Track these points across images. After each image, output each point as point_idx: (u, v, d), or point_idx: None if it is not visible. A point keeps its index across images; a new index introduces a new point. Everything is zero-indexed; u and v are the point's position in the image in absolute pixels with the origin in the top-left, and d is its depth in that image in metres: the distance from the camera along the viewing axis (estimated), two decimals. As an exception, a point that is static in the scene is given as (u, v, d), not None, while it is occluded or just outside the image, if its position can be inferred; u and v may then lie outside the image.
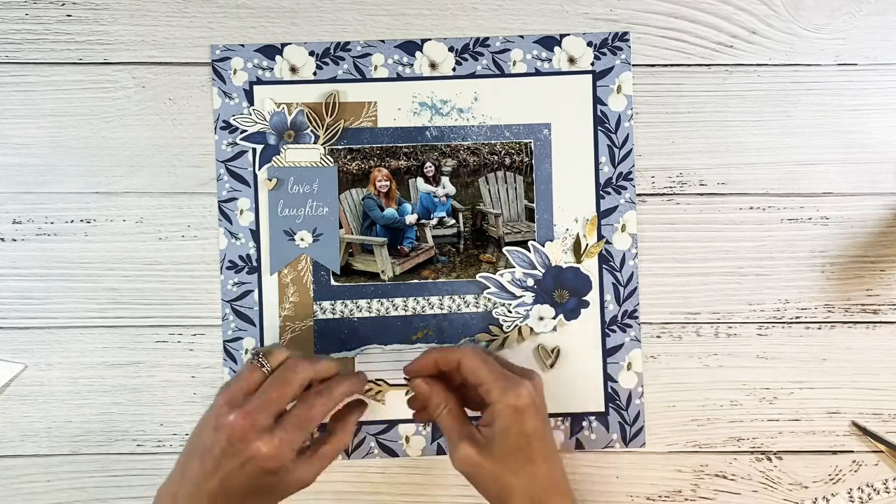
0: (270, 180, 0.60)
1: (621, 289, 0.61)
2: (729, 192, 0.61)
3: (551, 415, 0.60)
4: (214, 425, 0.49)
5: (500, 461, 0.49)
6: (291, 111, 0.60)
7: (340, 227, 0.61)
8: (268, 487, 0.50)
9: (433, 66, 0.61)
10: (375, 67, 0.61)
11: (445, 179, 0.61)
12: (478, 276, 0.60)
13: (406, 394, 0.59)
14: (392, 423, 0.60)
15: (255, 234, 0.60)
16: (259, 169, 0.60)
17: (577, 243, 0.60)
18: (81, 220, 0.60)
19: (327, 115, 0.60)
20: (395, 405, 0.60)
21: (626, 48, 0.61)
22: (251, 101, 0.60)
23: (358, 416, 0.56)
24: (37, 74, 0.60)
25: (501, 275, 0.60)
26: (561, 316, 0.60)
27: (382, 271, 0.61)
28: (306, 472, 0.51)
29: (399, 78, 0.61)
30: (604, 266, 0.61)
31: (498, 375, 0.50)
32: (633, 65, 0.61)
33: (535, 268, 0.60)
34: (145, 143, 0.60)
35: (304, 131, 0.60)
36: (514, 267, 0.60)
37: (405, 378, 0.54)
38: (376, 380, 0.59)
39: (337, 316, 0.60)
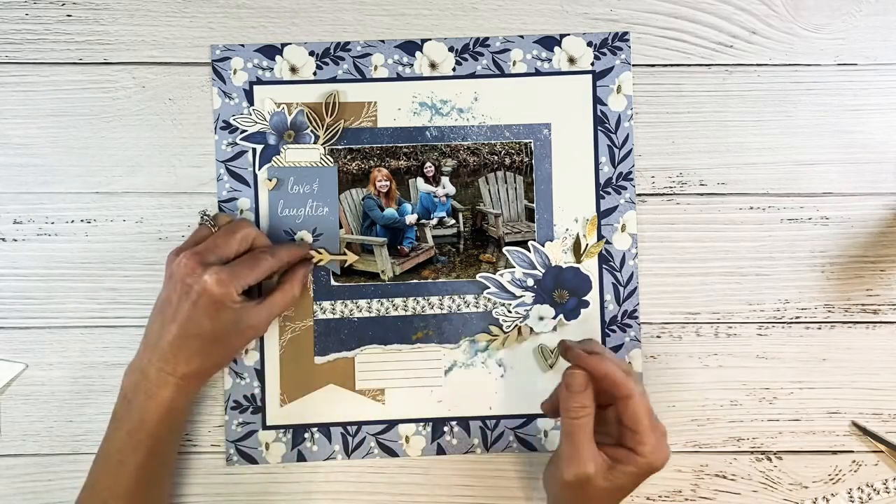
0: (270, 180, 0.60)
1: (621, 289, 0.61)
2: (729, 192, 0.61)
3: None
4: (168, 275, 0.54)
5: (608, 492, 0.50)
6: (291, 111, 0.60)
7: (340, 227, 0.61)
8: (223, 331, 0.53)
9: (433, 66, 0.61)
10: (375, 67, 0.61)
11: (445, 179, 0.61)
12: (478, 276, 0.60)
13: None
14: (392, 423, 0.60)
15: (256, 234, 0.60)
16: (259, 169, 0.60)
17: (576, 243, 0.60)
18: (82, 220, 0.60)
19: (327, 115, 0.60)
20: (394, 405, 0.60)
21: (626, 48, 0.61)
22: (251, 101, 0.60)
23: (305, 272, 0.59)
24: (37, 74, 0.60)
25: (501, 275, 0.60)
26: (561, 316, 0.60)
27: (382, 271, 0.61)
28: (257, 315, 0.55)
29: (399, 78, 0.61)
30: (604, 266, 0.61)
31: (653, 432, 0.50)
32: (633, 65, 0.61)
33: (535, 268, 0.60)
34: (145, 143, 0.60)
35: (304, 131, 0.60)
36: (514, 267, 0.60)
37: (566, 356, 0.52)
38: (318, 248, 0.59)
39: (337, 316, 0.60)
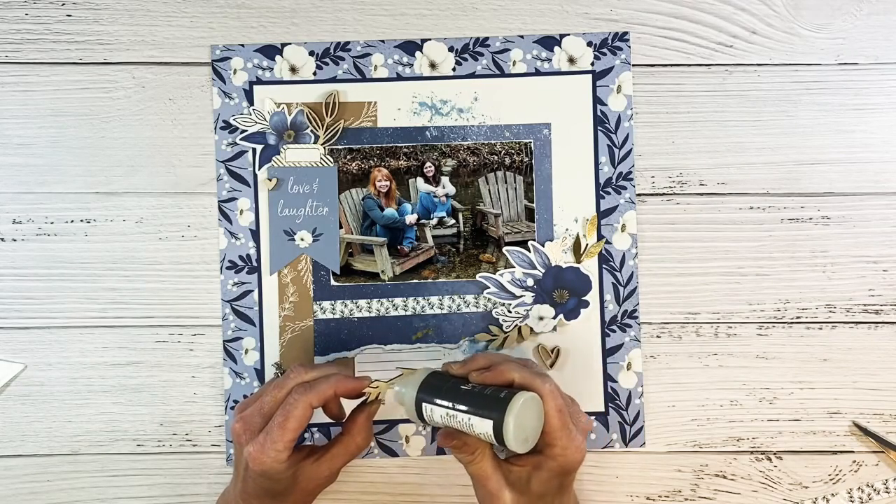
0: (270, 180, 0.60)
1: (621, 289, 0.60)
2: (729, 192, 0.61)
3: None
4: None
5: (537, 499, 0.50)
6: (291, 111, 0.60)
7: (340, 227, 0.61)
8: (282, 489, 0.51)
9: (433, 66, 0.61)
10: (375, 67, 0.61)
11: (445, 179, 0.61)
12: (478, 276, 0.60)
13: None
14: (392, 423, 0.60)
15: (255, 234, 0.60)
16: (259, 169, 0.60)
17: (576, 243, 0.60)
18: (81, 220, 0.60)
19: (327, 115, 0.60)
20: (393, 405, 0.60)
21: (626, 48, 0.60)
22: (251, 101, 0.60)
23: (367, 416, 0.53)
24: (37, 74, 0.60)
25: (501, 275, 0.60)
26: (561, 316, 0.60)
27: (382, 271, 0.61)
28: (317, 472, 0.52)
29: (399, 78, 0.61)
30: (604, 266, 0.61)
31: (563, 430, 0.49)
32: (633, 65, 0.61)
33: (534, 268, 0.60)
34: (145, 143, 0.60)
35: (304, 131, 0.60)
36: (513, 267, 0.60)
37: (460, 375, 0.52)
38: (371, 381, 0.53)
39: (337, 316, 0.60)
